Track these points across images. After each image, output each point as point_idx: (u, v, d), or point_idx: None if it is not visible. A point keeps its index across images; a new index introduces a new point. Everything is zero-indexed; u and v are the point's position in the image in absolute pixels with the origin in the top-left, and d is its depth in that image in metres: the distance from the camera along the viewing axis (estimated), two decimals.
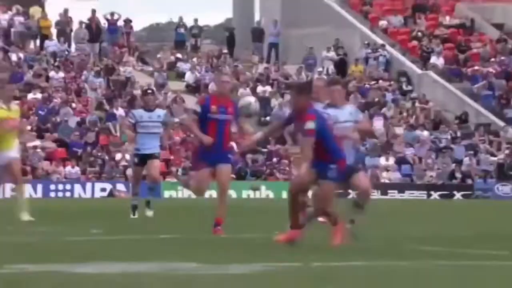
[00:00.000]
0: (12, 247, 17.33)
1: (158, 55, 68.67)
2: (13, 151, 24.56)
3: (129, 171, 49.51)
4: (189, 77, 63.35)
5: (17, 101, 27.31)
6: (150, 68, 65.80)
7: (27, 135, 31.11)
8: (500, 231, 24.14)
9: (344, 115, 18.45)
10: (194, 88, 61.12)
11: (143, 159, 24.43)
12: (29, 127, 52.00)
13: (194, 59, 66.52)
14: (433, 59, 67.02)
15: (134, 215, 24.30)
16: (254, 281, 13.92)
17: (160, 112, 24.85)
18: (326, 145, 17.06)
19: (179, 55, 67.25)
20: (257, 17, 74.74)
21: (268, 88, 64.62)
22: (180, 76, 64.23)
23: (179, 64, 65.80)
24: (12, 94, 26.49)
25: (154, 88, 53.82)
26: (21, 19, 65.84)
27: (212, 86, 55.08)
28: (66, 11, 67.04)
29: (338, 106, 18.54)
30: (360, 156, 43.70)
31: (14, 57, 62.72)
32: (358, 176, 19.37)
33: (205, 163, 19.08)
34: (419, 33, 69.52)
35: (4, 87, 26.10)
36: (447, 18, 70.88)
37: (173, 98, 60.29)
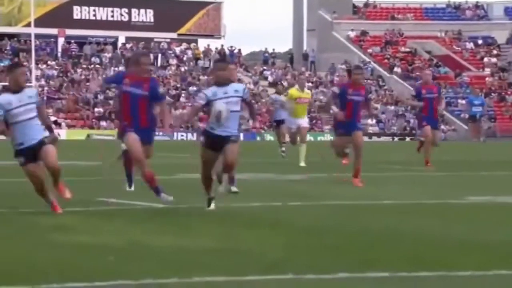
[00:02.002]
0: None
1: (255, 67, 73.77)
2: (304, 121, 22.23)
3: None
4: (269, 78, 69.90)
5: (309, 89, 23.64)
6: (250, 74, 71.10)
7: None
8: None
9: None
10: (273, 84, 60.90)
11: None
12: None
13: (273, 69, 72.57)
14: (395, 69, 71.55)
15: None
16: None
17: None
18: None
19: (265, 67, 73.24)
20: (305, 47, 78.23)
21: (309, 84, 65.78)
22: (265, 78, 70.42)
23: (264, 72, 71.80)
24: (304, 83, 23.65)
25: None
26: (189, 51, 71.78)
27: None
28: (208, 45, 72.20)
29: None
30: None
31: (182, 69, 68.78)
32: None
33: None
34: (388, 55, 73.61)
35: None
36: (402, 48, 74.78)
37: (261, 89, 66.57)
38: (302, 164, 20.97)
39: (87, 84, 65.48)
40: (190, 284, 6.26)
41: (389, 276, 6.61)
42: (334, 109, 15.50)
